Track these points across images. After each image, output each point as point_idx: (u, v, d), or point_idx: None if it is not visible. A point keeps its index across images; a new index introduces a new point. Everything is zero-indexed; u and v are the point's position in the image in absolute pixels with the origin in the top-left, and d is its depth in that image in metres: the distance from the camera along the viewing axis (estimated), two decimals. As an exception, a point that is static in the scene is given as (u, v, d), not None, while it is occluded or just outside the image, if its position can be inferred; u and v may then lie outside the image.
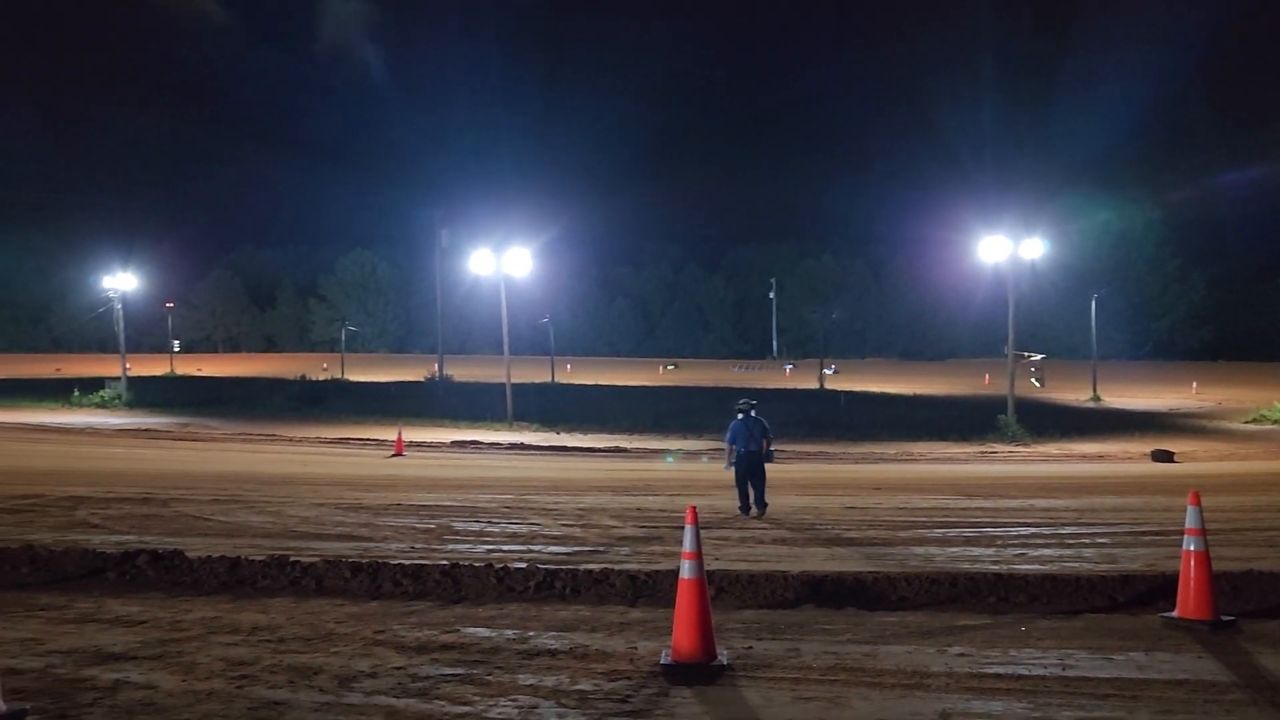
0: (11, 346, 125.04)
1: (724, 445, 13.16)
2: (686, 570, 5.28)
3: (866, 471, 23.24)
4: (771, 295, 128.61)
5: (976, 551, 9.42)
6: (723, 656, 5.29)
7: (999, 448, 33.66)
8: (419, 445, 29.26)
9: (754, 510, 12.35)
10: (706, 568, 5.70)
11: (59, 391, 52.59)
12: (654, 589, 7.09)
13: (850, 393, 56.98)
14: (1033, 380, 42.26)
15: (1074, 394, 57.66)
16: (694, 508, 5.47)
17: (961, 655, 5.48)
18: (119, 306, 55.30)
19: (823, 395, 58.16)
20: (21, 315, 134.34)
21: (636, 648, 5.66)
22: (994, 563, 8.65)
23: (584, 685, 4.95)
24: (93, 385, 53.52)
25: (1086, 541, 10.12)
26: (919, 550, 9.50)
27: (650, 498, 14.74)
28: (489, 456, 27.59)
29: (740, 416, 12.80)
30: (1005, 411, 38.20)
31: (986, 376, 69.45)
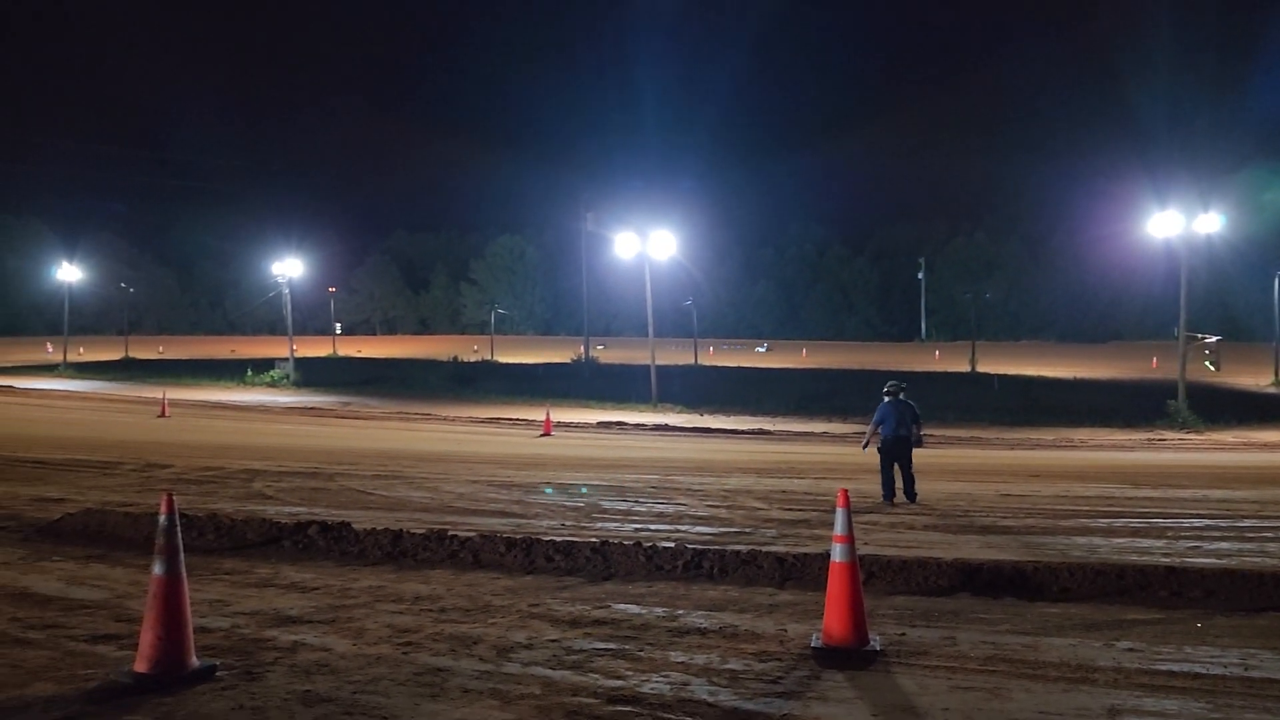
0: (193, 329, 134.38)
1: (868, 427, 12.85)
2: (838, 553, 5.22)
3: (1023, 458, 22.37)
4: (920, 276, 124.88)
5: (1145, 543, 8.95)
6: (875, 642, 5.21)
7: (1168, 435, 31.78)
8: (566, 425, 29.87)
9: (900, 499, 12.03)
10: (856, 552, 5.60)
11: (234, 371, 56.08)
12: (802, 572, 7.03)
13: (1004, 376, 54.86)
14: (1207, 364, 39.55)
15: (1253, 378, 53.83)
16: (845, 491, 5.40)
17: (1131, 650, 5.22)
18: (287, 291, 58.55)
19: (974, 379, 56.24)
20: (201, 300, 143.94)
21: (786, 630, 5.64)
22: (1165, 555, 8.20)
23: (734, 665, 4.96)
24: (263, 366, 56.82)
25: (1270, 535, 9.46)
26: (1082, 540, 9.09)
27: (795, 480, 14.62)
28: (634, 437, 27.92)
29: (888, 399, 12.51)
30: (1175, 396, 35.99)
31: (1154, 360, 65.64)
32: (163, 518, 4.70)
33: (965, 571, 6.91)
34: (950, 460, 19.93)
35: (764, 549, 7.74)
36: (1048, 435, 30.43)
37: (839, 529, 5.27)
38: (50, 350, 77.65)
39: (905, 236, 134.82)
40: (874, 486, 12.58)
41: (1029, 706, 4.37)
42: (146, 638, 4.58)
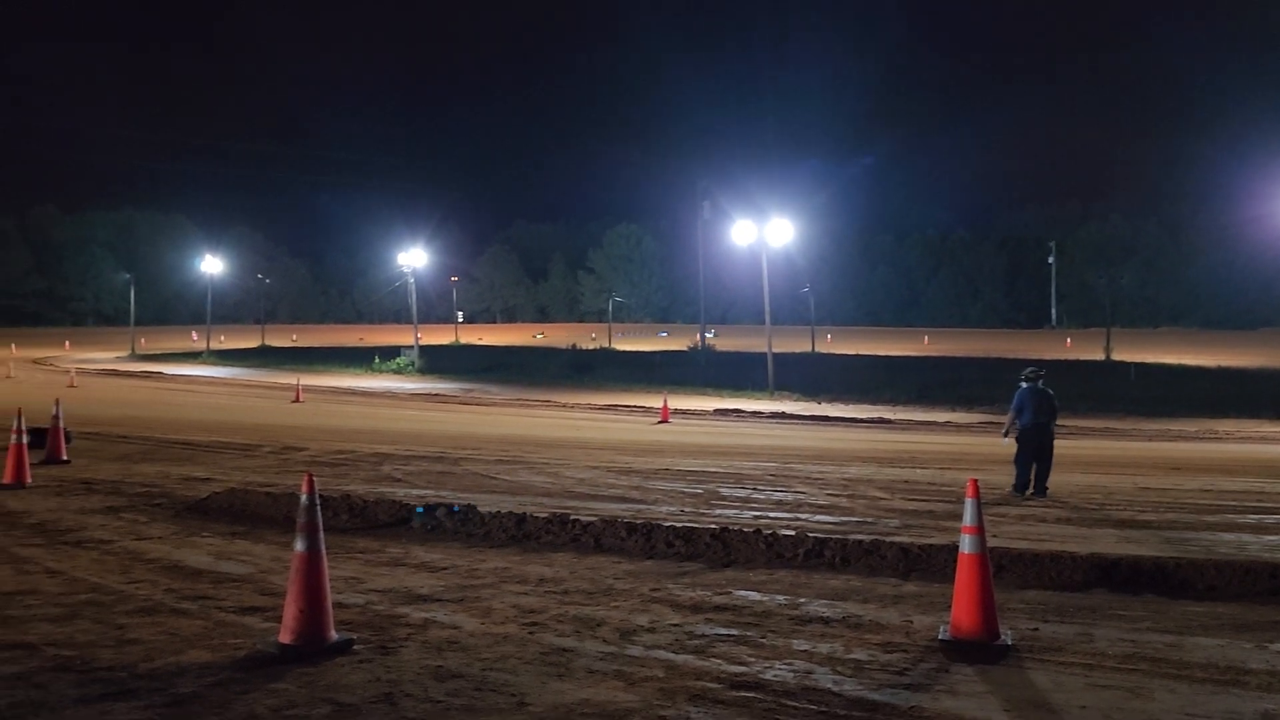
0: (324, 318, 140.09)
1: (1007, 416, 12.33)
2: (968, 545, 5.09)
3: (1162, 450, 21.33)
4: (1050, 260, 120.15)
5: (1300, 541, 8.42)
6: (1006, 636, 5.06)
7: (1323, 427, 29.78)
8: (683, 413, 29.92)
9: (1031, 492, 11.57)
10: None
11: (362, 359, 58.20)
12: (928, 563, 6.88)
13: (1141, 364, 52.37)
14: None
15: None
16: (975, 481, 5.25)
17: (1286, 654, 4.93)
18: (412, 281, 60.41)
19: (1109, 367, 53.86)
20: (331, 290, 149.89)
21: (912, 621, 5.53)
22: (1323, 554, 7.70)
23: (859, 655, 4.90)
24: (390, 353, 58.78)
25: None
26: (1229, 537, 8.62)
27: (918, 470, 14.30)
28: (751, 425, 27.77)
29: (1026, 385, 12.03)
30: (1332, 387, 33.71)
31: (1308, 347, 61.53)
32: (304, 497, 4.92)
33: (1102, 566, 6.64)
34: (1084, 452, 19.16)
35: (887, 539, 7.60)
36: (1189, 427, 28.92)
37: (968, 520, 5.14)
38: (195, 338, 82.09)
39: (1033, 220, 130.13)
40: (1001, 478, 12.20)
41: (1173, 708, 4.18)
42: (290, 611, 4.81)
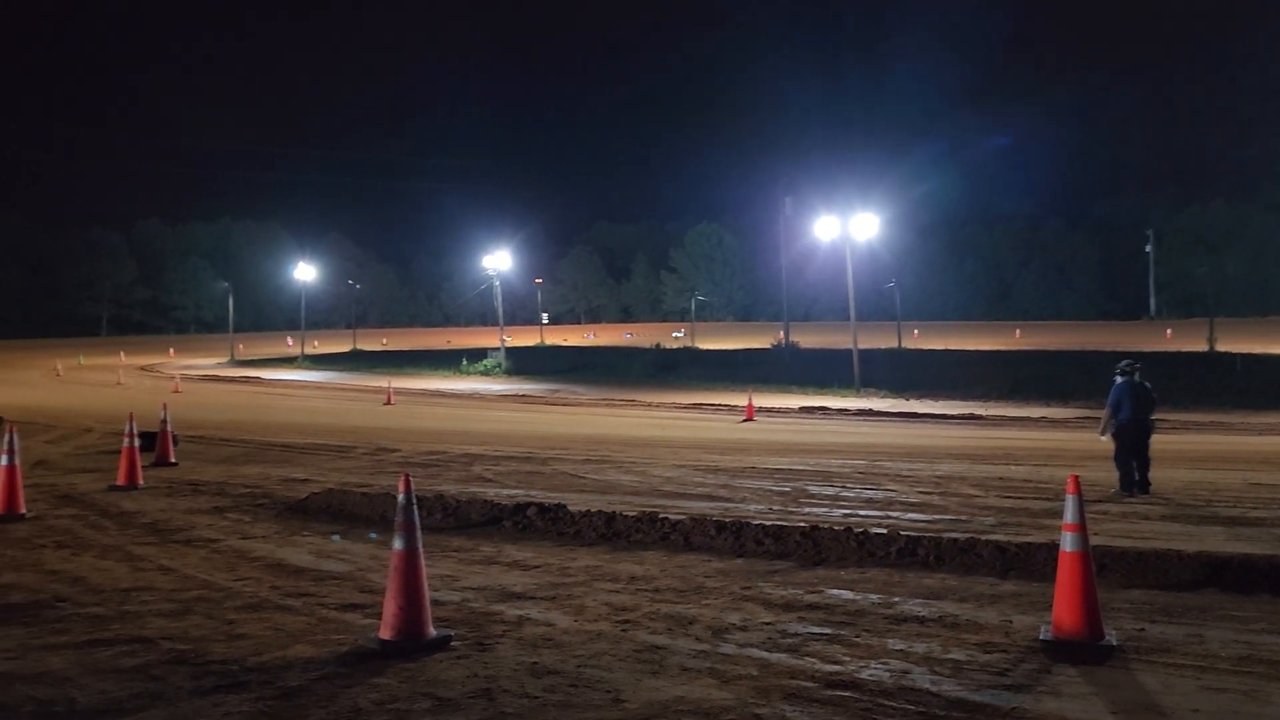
0: (412, 322, 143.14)
1: (1104, 412, 11.90)
2: (1069, 543, 4.95)
3: (1273, 444, 20.41)
4: (1148, 249, 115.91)
5: None
6: (1111, 637, 4.91)
7: None
8: (768, 411, 29.74)
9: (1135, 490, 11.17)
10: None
11: (450, 361, 59.26)
12: (1026, 561, 6.71)
13: (1249, 355, 50.17)
14: None
15: None
16: (1076, 477, 5.10)
17: None
18: (497, 284, 61.31)
19: (1213, 358, 51.72)
20: (419, 294, 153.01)
21: (1011, 621, 5.41)
22: None
23: (957, 655, 4.81)
24: (477, 355, 59.70)
25: None
26: (1349, 535, 8.21)
27: (1013, 467, 13.95)
28: (837, 422, 27.46)
29: (1123, 379, 11.62)
30: None
31: None
32: (401, 496, 5.05)
33: (1211, 565, 6.39)
34: (1188, 447, 18.45)
35: (983, 537, 7.44)
36: (1302, 420, 27.60)
37: (1070, 517, 5.00)
38: (290, 343, 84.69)
39: (1129, 207, 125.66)
40: (1101, 474, 11.82)
41: (1293, 713, 4.01)
42: (389, 608, 4.94)
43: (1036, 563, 6.63)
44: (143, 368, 62.32)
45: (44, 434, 18.69)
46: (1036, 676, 4.50)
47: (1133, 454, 11.24)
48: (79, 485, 11.46)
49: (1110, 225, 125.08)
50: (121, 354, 73.80)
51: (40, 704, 4.18)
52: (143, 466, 11.66)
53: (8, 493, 9.12)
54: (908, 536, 7.38)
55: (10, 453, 9.12)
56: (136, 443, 11.41)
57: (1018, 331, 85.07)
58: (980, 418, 28.33)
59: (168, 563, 7.19)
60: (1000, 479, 12.29)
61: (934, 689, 4.31)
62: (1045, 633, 4.99)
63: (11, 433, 9.38)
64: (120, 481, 11.16)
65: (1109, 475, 11.51)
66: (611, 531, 8.08)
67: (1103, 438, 11.80)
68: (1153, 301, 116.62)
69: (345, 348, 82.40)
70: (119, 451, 11.64)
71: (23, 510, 9.12)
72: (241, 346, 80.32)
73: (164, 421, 13.69)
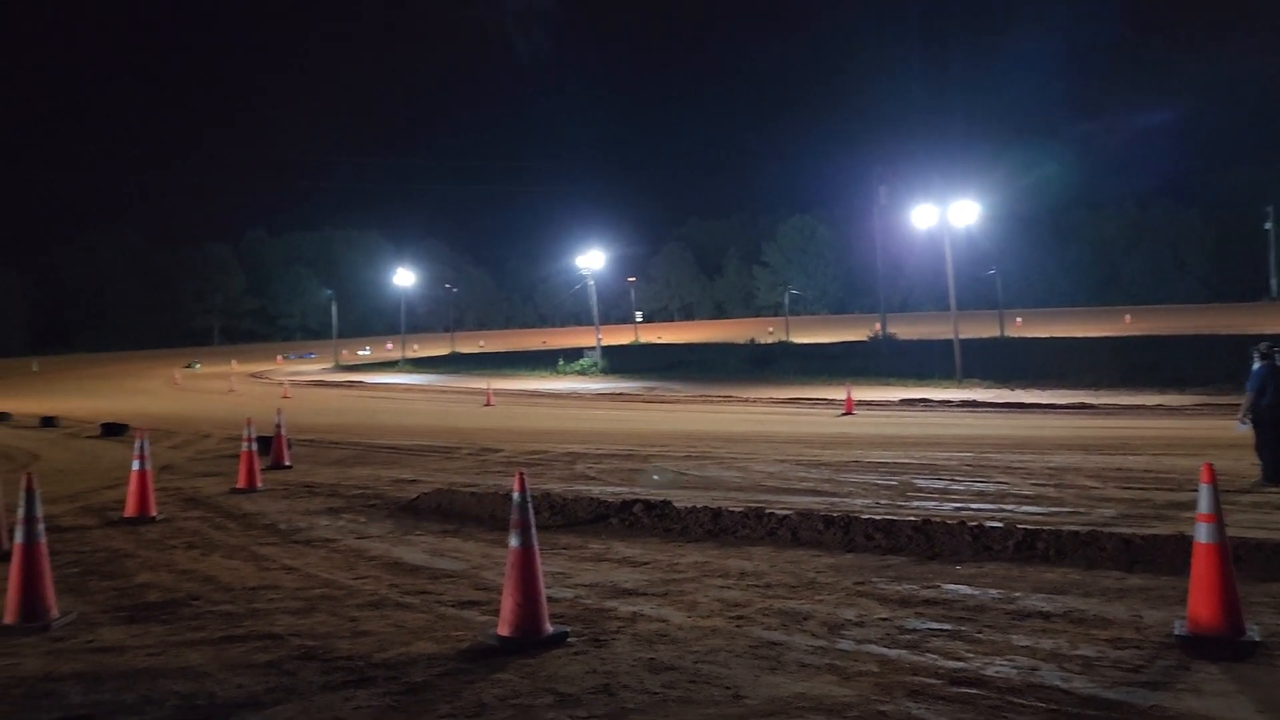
0: (508, 323, 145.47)
1: (1245, 398, 11.16)
2: (1204, 534, 4.73)
3: None
4: (1268, 226, 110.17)
5: None
6: (1253, 632, 4.68)
7: None
8: (867, 404, 29.26)
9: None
10: (1224, 533, 5.04)
11: (547, 361, 59.92)
12: (1153, 554, 6.45)
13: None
14: None
15: None
16: (1210, 465, 4.88)
17: None
18: (591, 284, 61.78)
19: (1342, 339, 48.90)
20: (514, 296, 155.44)
21: (1141, 616, 5.20)
22: None
23: (1086, 651, 4.65)
24: (573, 355, 60.23)
25: None
26: None
27: (1131, 457, 13.43)
28: (939, 414, 26.84)
29: (1262, 363, 10.94)
30: None
31: None
32: (516, 495, 5.12)
33: (1358, 557, 6.04)
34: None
35: (1105, 530, 7.19)
36: None
37: (1204, 507, 4.78)
38: (389, 348, 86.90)
39: (1244, 183, 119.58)
40: (1228, 463, 11.26)
41: None
42: (507, 604, 5.02)
43: (1165, 555, 6.37)
44: (253, 374, 64.71)
45: (167, 440, 19.56)
46: (1174, 673, 4.32)
47: (1275, 441, 10.57)
48: (203, 489, 11.97)
49: (1224, 202, 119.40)
50: (234, 362, 76.77)
51: (183, 698, 4.37)
52: (260, 470, 12.11)
53: (140, 496, 9.57)
54: (1025, 530, 7.17)
55: (142, 458, 9.58)
56: (254, 447, 11.86)
57: (1127, 317, 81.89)
58: (1091, 407, 27.34)
59: (290, 562, 7.44)
60: (1118, 469, 11.85)
61: (1065, 686, 4.18)
62: (1180, 628, 4.78)
63: (142, 440, 9.84)
64: (241, 484, 11.61)
65: (1234, 464, 10.98)
66: (718, 527, 8.06)
67: (1241, 426, 11.11)
68: (1273, 282, 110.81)
69: (444, 350, 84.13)
70: (237, 456, 12.11)
71: (154, 513, 9.57)
72: (345, 352, 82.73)
73: (279, 426, 14.18)
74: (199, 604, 6.14)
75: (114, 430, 21.93)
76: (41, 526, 5.80)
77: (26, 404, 37.48)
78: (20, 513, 5.77)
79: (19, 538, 5.69)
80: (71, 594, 6.45)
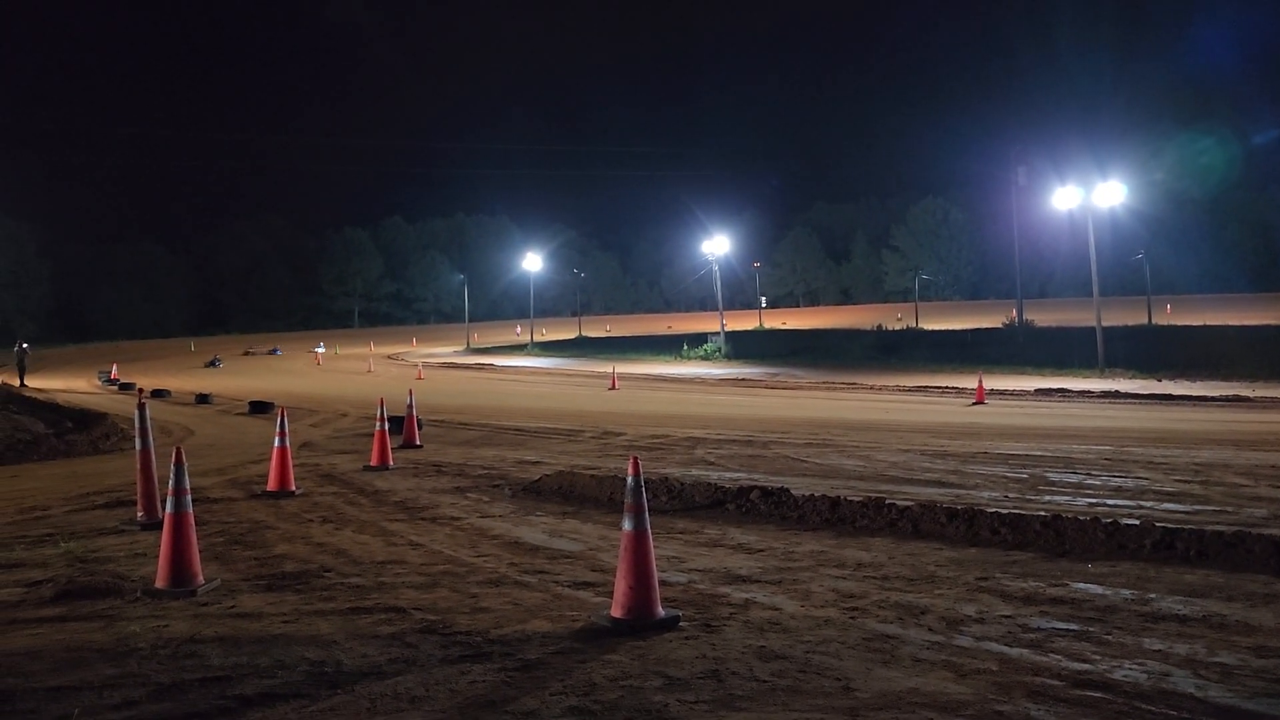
0: (634, 308, 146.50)
1: None
2: (1362, 539, 4.41)
3: None
4: None
5: None
6: None
7: None
8: (999, 393, 28.29)
9: None
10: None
11: (671, 346, 60.12)
12: (1307, 559, 6.04)
13: None
14: None
15: None
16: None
17: None
18: (716, 269, 61.62)
19: None
20: (640, 281, 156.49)
21: (1291, 624, 4.88)
22: None
23: (1224, 658, 4.40)
24: (697, 340, 60.25)
25: None
26: None
27: (1288, 454, 12.59)
28: (1078, 405, 25.73)
29: None
30: None
31: None
32: (630, 479, 5.17)
33: None
34: None
35: (1254, 530, 6.76)
36: None
37: (1362, 510, 4.45)
38: (519, 331, 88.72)
39: None
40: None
41: None
42: (620, 587, 5.08)
43: (1320, 561, 5.95)
44: (389, 356, 67.13)
45: (307, 418, 20.52)
46: (1323, 687, 4.05)
47: None
48: (339, 465, 12.51)
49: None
50: (371, 344, 79.84)
51: (312, 665, 4.59)
52: (392, 448, 12.57)
53: (280, 471, 10.08)
54: (1164, 528, 6.82)
55: (282, 435, 10.08)
56: (386, 426, 12.32)
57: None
58: (1247, 400, 25.73)
59: (416, 538, 7.71)
60: (1273, 467, 11.13)
61: (1199, 694, 3.97)
62: (1333, 639, 4.47)
63: (283, 417, 10.35)
64: (373, 462, 12.09)
65: None
66: (836, 517, 7.95)
67: None
68: None
69: (570, 334, 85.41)
70: (372, 434, 12.60)
71: (293, 488, 10.06)
72: (476, 335, 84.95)
73: (410, 407, 14.69)
74: (330, 575, 6.43)
75: (260, 408, 23.13)
76: (189, 498, 6.18)
77: (184, 382, 39.88)
78: (170, 484, 6.16)
79: (169, 508, 6.08)
80: (217, 561, 6.85)
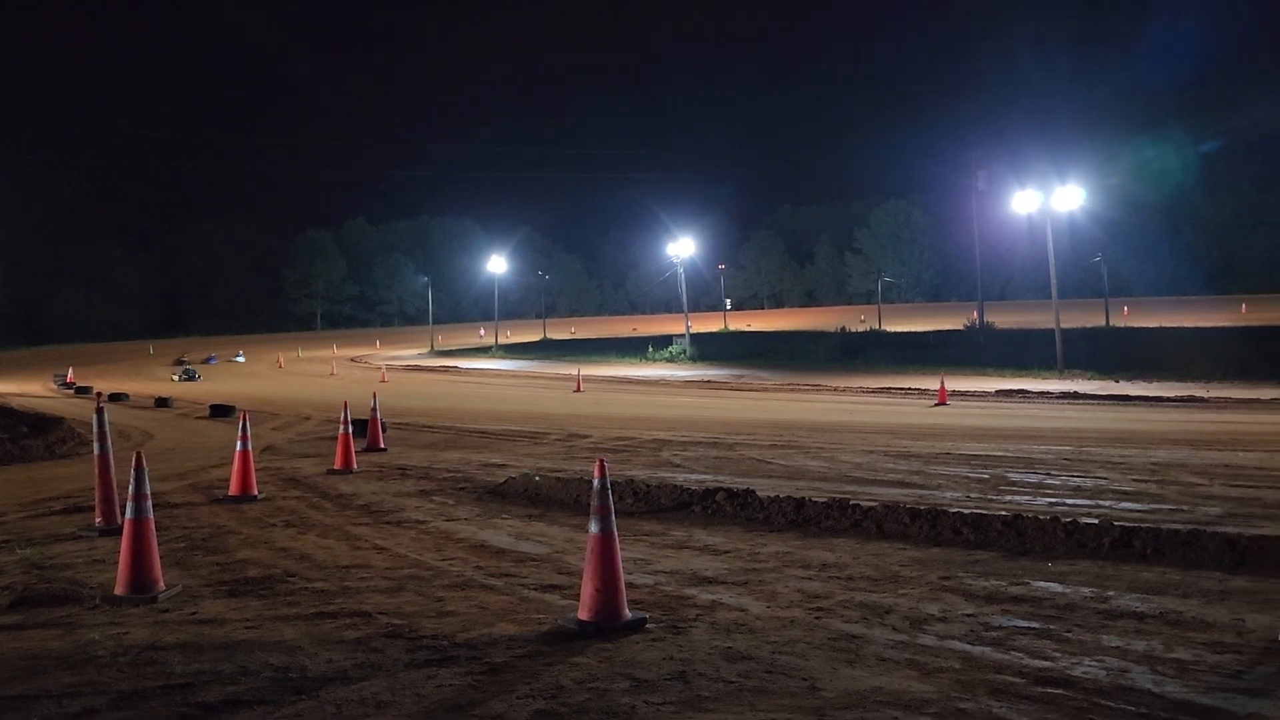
0: (599, 310, 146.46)
1: None
2: (1312, 536, 4.51)
3: None
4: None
5: None
6: (1364, 641, 4.45)
7: None
8: (961, 394, 28.62)
9: None
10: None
11: (636, 348, 60.15)
12: (1260, 556, 6.18)
13: None
14: None
15: None
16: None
17: None
18: (681, 271, 61.77)
19: None
20: (605, 283, 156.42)
21: (1244, 620, 4.99)
22: None
23: (1181, 654, 4.49)
24: (662, 342, 60.32)
25: None
26: None
27: (1240, 453, 12.86)
28: (1037, 406, 26.09)
29: None
30: None
31: None
32: (596, 481, 5.17)
33: None
34: None
35: (1208, 529, 6.90)
36: None
37: (1312, 508, 4.56)
38: (483, 334, 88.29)
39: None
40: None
41: None
42: (587, 589, 5.08)
43: (1273, 557, 6.10)
44: (352, 359, 66.57)
45: (270, 421, 20.30)
46: (1276, 680, 4.14)
47: None
48: (302, 469, 12.39)
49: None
50: (334, 347, 79.10)
51: (276, 670, 4.55)
52: (356, 452, 12.47)
53: (243, 476, 9.97)
54: (1122, 527, 6.94)
55: (244, 438, 9.96)
56: (350, 430, 12.23)
57: (1244, 306, 78.18)
58: (1202, 400, 26.24)
59: (381, 542, 7.66)
60: (1227, 466, 11.36)
61: (1156, 690, 4.04)
62: (1284, 634, 4.58)
63: (245, 420, 10.24)
64: (337, 466, 11.99)
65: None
66: (801, 518, 8.00)
67: None
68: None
69: (536, 337, 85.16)
70: (335, 438, 12.49)
71: (255, 492, 9.95)
72: (440, 338, 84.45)
73: (374, 410, 14.58)
74: (294, 580, 6.37)
75: (222, 411, 22.86)
76: (149, 503, 6.10)
77: (144, 386, 39.29)
78: (130, 489, 6.07)
79: (129, 513, 5.99)
80: (178, 567, 6.76)
